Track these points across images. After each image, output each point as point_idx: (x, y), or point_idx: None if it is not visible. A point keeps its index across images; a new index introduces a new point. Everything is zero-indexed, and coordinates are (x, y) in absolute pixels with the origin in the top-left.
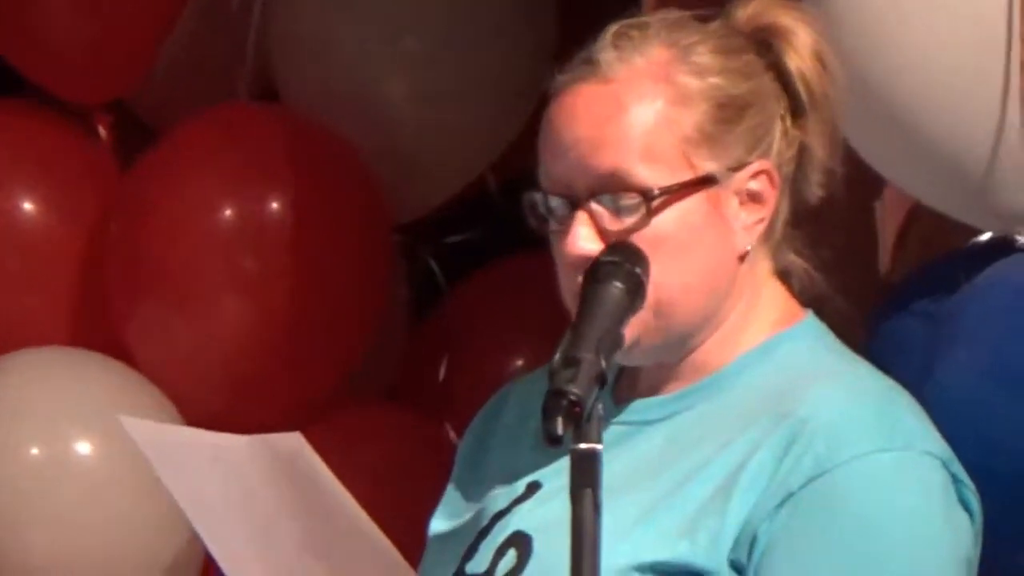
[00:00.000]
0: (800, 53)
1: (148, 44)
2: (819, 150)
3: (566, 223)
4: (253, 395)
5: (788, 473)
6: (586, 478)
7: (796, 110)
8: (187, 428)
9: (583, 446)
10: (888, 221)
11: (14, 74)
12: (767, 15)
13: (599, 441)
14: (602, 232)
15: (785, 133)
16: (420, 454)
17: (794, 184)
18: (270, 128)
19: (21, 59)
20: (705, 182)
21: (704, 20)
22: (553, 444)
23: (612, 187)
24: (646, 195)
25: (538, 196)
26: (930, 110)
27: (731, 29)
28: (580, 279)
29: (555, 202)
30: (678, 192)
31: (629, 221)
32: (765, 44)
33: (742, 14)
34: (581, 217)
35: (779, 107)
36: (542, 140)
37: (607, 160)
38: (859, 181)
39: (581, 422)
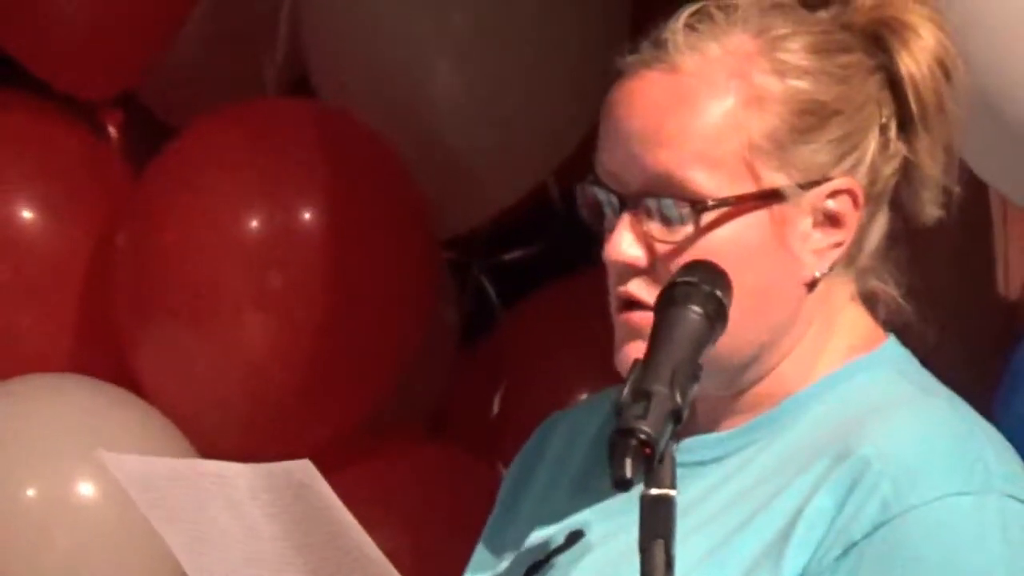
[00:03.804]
0: (916, 57)
1: (161, 27)
2: (929, 167)
3: (613, 223)
4: (277, 429)
5: (850, 520)
6: (658, 528)
7: (903, 121)
8: (180, 460)
9: (655, 491)
10: (1012, 243)
11: (11, 64)
12: (890, 8)
13: (673, 486)
14: (648, 240)
15: (885, 146)
16: (467, 498)
17: (897, 201)
18: (301, 126)
19: (19, 47)
20: (768, 197)
21: (813, 7)
22: (621, 488)
23: (661, 190)
24: (696, 205)
25: (596, 189)
26: None
27: (840, 22)
28: (621, 289)
29: (606, 196)
30: (734, 205)
31: (677, 232)
32: (879, 41)
33: (863, 3)
34: (626, 220)
35: (879, 116)
36: (601, 125)
37: (660, 160)
38: (974, 197)
39: (652, 464)
